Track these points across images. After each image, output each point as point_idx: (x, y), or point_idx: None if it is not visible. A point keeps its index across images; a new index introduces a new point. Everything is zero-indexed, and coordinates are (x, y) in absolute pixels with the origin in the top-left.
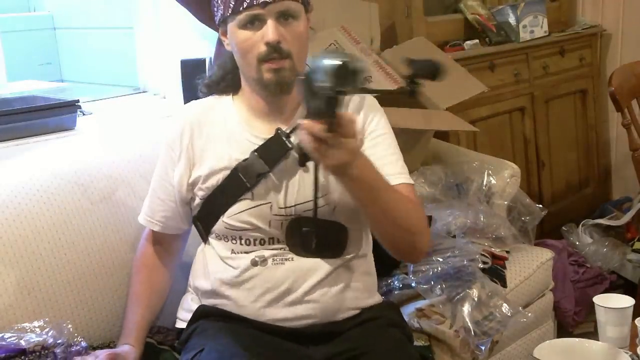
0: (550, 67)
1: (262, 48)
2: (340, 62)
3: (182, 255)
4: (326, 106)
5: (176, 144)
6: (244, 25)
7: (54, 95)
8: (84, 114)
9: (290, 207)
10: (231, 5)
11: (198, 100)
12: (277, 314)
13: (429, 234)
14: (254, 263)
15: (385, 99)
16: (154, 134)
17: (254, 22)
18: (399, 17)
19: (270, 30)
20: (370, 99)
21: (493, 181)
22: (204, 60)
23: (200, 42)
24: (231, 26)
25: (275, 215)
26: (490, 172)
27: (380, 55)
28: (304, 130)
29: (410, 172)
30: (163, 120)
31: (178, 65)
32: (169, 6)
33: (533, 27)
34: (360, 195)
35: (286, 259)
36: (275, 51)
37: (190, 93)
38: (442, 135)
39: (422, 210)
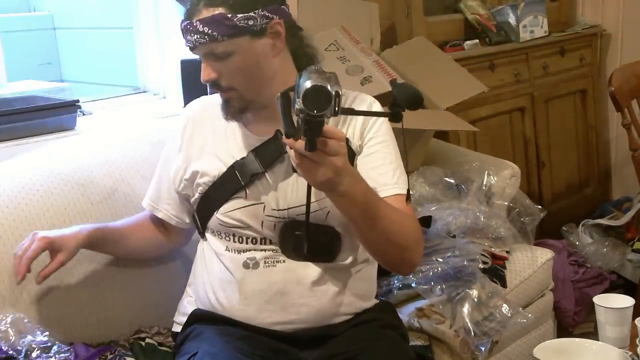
0: (550, 67)
1: None
2: (310, 86)
3: (180, 249)
4: (304, 127)
5: (178, 137)
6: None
7: (54, 95)
8: (84, 114)
9: (283, 209)
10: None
11: (208, 95)
12: (270, 317)
13: (421, 247)
14: (246, 266)
15: (386, 98)
16: (154, 134)
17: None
18: (399, 17)
19: (202, 71)
20: (374, 103)
21: (493, 181)
22: None
23: None
24: None
25: (268, 216)
26: (490, 172)
27: (380, 55)
28: (288, 146)
29: (410, 172)
30: (163, 120)
31: (178, 65)
32: (169, 6)
33: (533, 27)
34: (348, 210)
35: (278, 261)
36: (214, 86)
37: (190, 93)
38: (442, 135)
39: (415, 222)
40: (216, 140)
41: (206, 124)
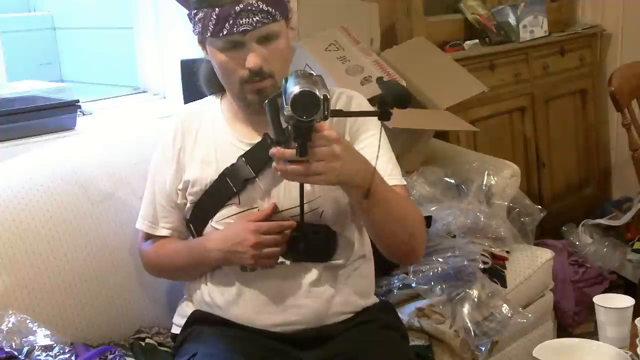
0: (550, 67)
1: (244, 72)
2: (298, 92)
3: None
4: (295, 132)
5: (169, 148)
6: (223, 49)
7: (54, 95)
8: (84, 114)
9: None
10: (210, 29)
11: (193, 102)
12: (268, 319)
13: (425, 237)
14: (244, 269)
15: None
16: (154, 134)
17: (235, 47)
18: (399, 17)
19: (251, 58)
20: (359, 98)
21: (493, 181)
22: (203, 60)
23: None
24: (210, 46)
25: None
26: (490, 172)
27: (380, 55)
28: (275, 158)
29: (410, 172)
30: (163, 120)
31: (178, 65)
32: (169, 6)
33: (533, 27)
34: (360, 200)
35: (275, 263)
36: (257, 74)
37: (190, 93)
38: (442, 135)
39: (419, 211)
40: (205, 148)
41: (194, 132)
